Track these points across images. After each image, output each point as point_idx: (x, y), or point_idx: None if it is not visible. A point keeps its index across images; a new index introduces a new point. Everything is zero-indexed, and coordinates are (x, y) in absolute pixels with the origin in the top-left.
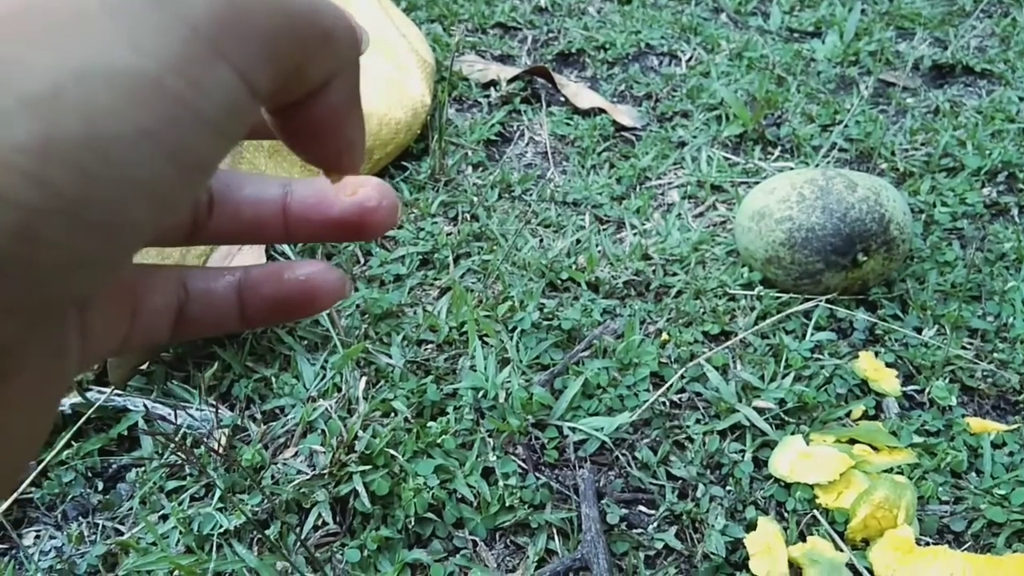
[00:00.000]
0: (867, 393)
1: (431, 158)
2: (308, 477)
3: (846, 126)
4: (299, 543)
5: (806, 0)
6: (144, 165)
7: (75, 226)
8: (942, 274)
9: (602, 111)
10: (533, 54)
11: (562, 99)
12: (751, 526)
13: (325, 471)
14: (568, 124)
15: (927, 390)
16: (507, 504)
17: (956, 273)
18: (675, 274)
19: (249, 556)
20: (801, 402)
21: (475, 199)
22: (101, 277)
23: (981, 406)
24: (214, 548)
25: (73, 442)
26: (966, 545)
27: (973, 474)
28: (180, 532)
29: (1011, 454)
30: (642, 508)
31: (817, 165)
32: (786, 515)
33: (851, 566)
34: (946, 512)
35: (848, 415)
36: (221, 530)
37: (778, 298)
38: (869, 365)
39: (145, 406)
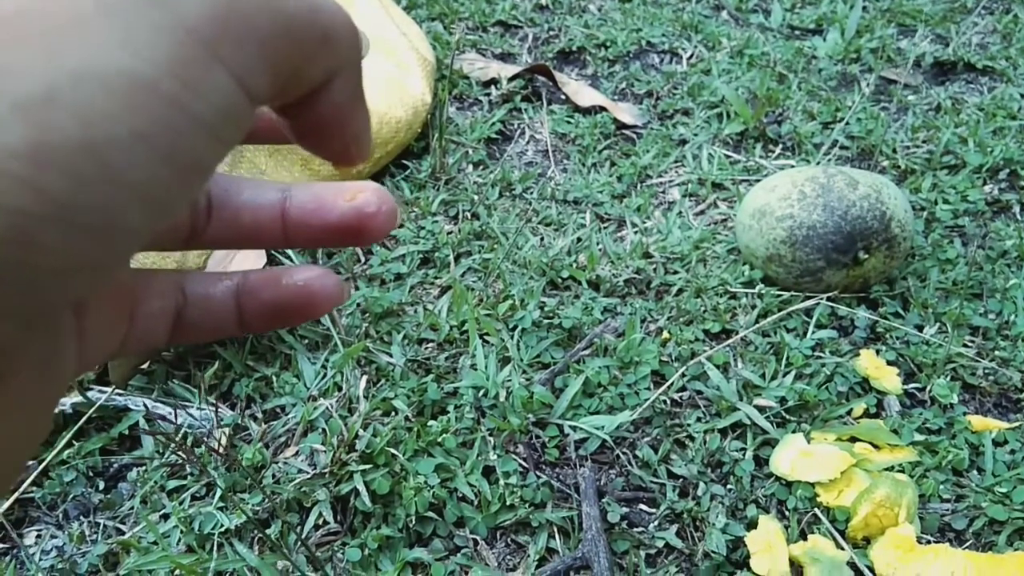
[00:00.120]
0: (868, 391)
1: (432, 156)
2: (309, 476)
3: (847, 123)
4: (300, 542)
5: None
6: (139, 169)
7: (70, 230)
8: (943, 272)
9: (603, 109)
10: (534, 52)
11: (563, 97)
12: (752, 524)
13: (326, 470)
14: (569, 122)
15: (928, 388)
16: (508, 503)
17: (957, 271)
18: (676, 272)
19: (250, 555)
20: (802, 400)
21: (476, 197)
22: (97, 280)
23: (982, 404)
24: (215, 547)
25: (74, 441)
26: (967, 543)
27: (974, 472)
28: (181, 531)
29: (1012, 452)
30: (643, 506)
31: (818, 163)
32: (787, 513)
33: (852, 564)
34: (947, 510)
35: (849, 413)
36: (222, 529)
37: (779, 296)
38: (870, 363)
39: (146, 405)
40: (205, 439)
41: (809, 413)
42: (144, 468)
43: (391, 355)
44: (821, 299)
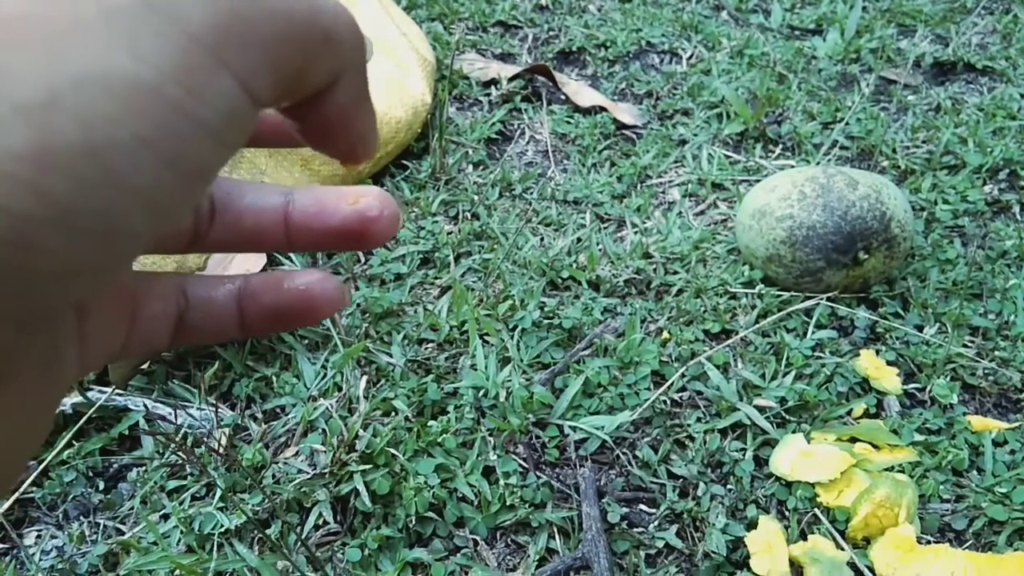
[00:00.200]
0: (868, 391)
1: (432, 157)
2: (309, 476)
3: (847, 124)
4: (300, 542)
5: None
6: (142, 173)
7: (71, 234)
8: (943, 272)
9: (603, 109)
10: (534, 52)
11: (563, 97)
12: (752, 525)
13: (326, 470)
14: (569, 122)
15: (928, 388)
16: (508, 503)
17: (957, 271)
18: (676, 272)
19: (250, 555)
20: (802, 400)
21: (476, 198)
22: (98, 284)
23: (982, 404)
24: (215, 547)
25: (74, 442)
26: (967, 543)
27: (974, 472)
28: (181, 531)
29: (1012, 452)
30: (643, 507)
31: (818, 163)
32: (787, 514)
33: (852, 565)
34: (947, 510)
35: (849, 413)
36: (222, 529)
37: (779, 296)
38: (870, 363)
39: (146, 406)
40: (205, 439)
41: (809, 413)
42: (144, 468)
43: (391, 355)
44: (821, 299)
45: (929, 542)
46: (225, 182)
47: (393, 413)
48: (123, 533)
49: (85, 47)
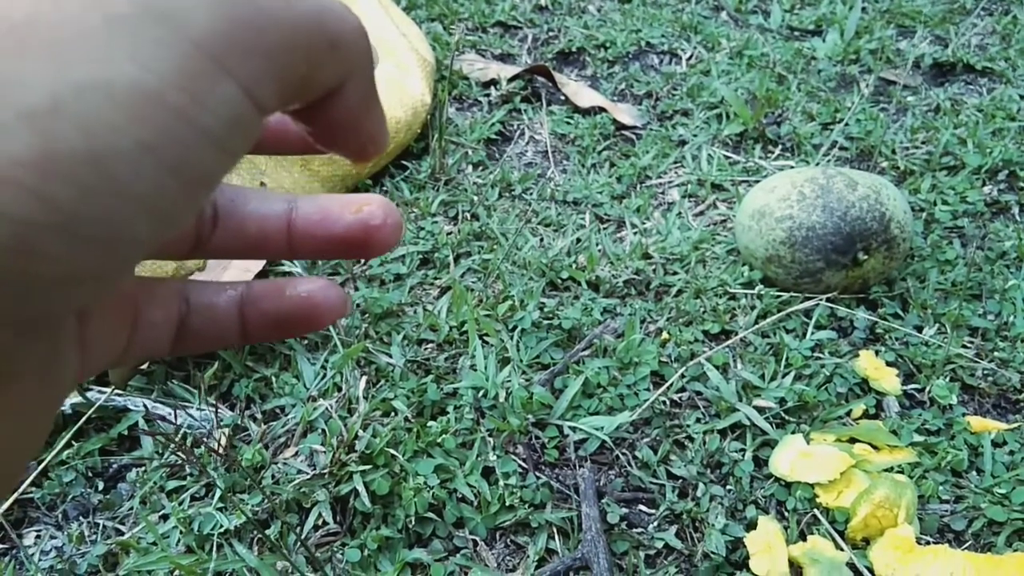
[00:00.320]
0: (867, 392)
1: (431, 157)
2: (308, 477)
3: (847, 124)
4: (299, 543)
5: None
6: (145, 180)
7: (73, 240)
8: (943, 273)
9: (602, 110)
10: (533, 53)
11: (562, 98)
12: (751, 525)
13: (325, 471)
14: (568, 123)
15: (927, 389)
16: (507, 503)
17: (957, 272)
18: (675, 273)
19: (249, 556)
20: (801, 401)
21: (475, 198)
22: (100, 290)
23: (982, 405)
24: (214, 548)
25: (73, 442)
26: (966, 544)
27: (974, 473)
28: (180, 532)
29: (1012, 453)
30: (642, 507)
31: (817, 164)
32: (786, 514)
33: (851, 565)
34: (946, 511)
35: (848, 414)
36: (221, 530)
37: (778, 297)
38: (869, 364)
39: (145, 406)
40: (205, 439)
41: (808, 414)
42: (143, 468)
43: (391, 356)
44: (820, 300)
45: (928, 543)
46: (229, 188)
47: (393, 413)
48: (122, 533)
49: (89, 54)
